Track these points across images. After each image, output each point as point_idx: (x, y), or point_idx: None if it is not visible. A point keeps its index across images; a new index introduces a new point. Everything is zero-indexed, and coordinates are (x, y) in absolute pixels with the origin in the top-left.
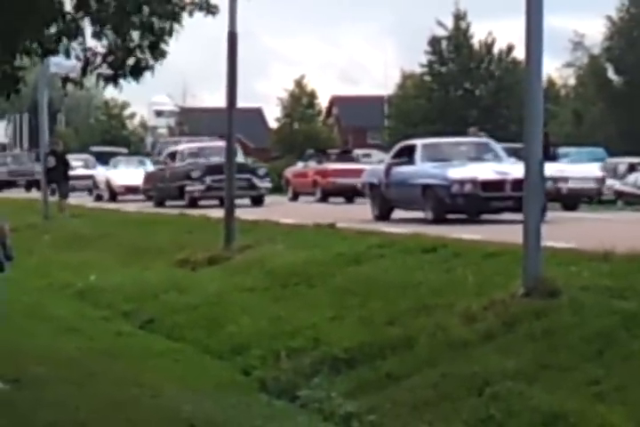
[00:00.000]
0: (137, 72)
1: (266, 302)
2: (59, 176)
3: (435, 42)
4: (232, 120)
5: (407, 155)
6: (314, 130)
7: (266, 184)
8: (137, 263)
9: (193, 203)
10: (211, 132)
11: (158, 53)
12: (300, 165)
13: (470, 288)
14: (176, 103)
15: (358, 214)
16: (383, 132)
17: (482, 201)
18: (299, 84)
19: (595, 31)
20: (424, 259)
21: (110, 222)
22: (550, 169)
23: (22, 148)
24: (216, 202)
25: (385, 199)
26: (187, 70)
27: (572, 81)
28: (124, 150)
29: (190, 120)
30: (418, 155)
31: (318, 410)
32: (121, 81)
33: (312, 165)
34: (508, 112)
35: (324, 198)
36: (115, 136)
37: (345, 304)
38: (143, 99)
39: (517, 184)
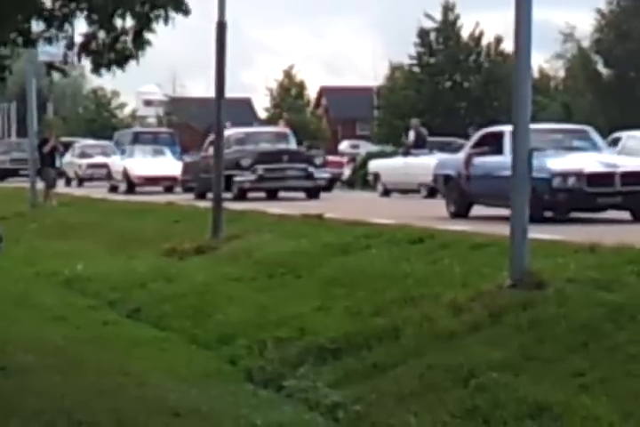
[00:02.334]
0: (121, 61)
1: (252, 291)
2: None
3: (423, 34)
4: (221, 110)
5: (492, 143)
6: (303, 121)
7: (324, 174)
8: (124, 252)
9: (242, 195)
10: (200, 122)
11: (142, 42)
12: None
13: (457, 279)
14: (165, 93)
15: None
16: (372, 123)
17: (587, 197)
18: (288, 74)
19: (585, 24)
20: (411, 250)
21: (98, 211)
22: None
23: (10, 136)
24: (263, 194)
25: (464, 194)
26: (175, 60)
27: (561, 73)
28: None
29: (179, 110)
30: (506, 143)
31: (304, 400)
32: (108, 70)
33: None
34: (498, 104)
35: None
36: (102, 125)
37: (331, 294)
38: (132, 88)
39: (627, 178)
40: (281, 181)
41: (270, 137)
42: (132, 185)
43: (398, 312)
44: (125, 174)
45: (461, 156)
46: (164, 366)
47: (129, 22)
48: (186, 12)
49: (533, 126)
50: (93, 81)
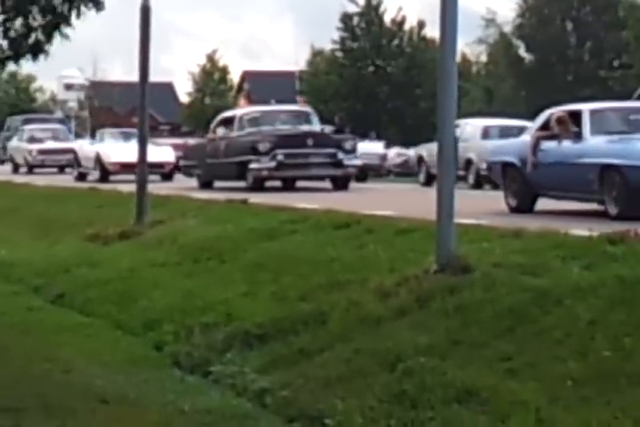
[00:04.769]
0: (35, 52)
1: (178, 277)
2: None
3: (346, 18)
4: (145, 94)
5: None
6: (225, 105)
7: (354, 161)
8: (47, 238)
9: (258, 184)
10: (122, 106)
11: (59, 35)
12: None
13: (383, 264)
14: (86, 77)
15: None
16: None
17: None
18: (210, 58)
19: (506, 9)
20: (336, 235)
21: (20, 196)
22: None
23: None
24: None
25: (529, 185)
26: (94, 43)
27: (483, 58)
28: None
29: (100, 94)
30: (586, 125)
31: (231, 386)
32: (16, 62)
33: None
34: (420, 89)
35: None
36: (23, 109)
37: (257, 280)
38: (53, 72)
39: None
40: (305, 169)
41: (290, 117)
42: (105, 172)
43: (325, 297)
44: (98, 161)
45: (524, 139)
46: (90, 352)
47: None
48: (100, 8)
49: (615, 105)
50: (12, 65)
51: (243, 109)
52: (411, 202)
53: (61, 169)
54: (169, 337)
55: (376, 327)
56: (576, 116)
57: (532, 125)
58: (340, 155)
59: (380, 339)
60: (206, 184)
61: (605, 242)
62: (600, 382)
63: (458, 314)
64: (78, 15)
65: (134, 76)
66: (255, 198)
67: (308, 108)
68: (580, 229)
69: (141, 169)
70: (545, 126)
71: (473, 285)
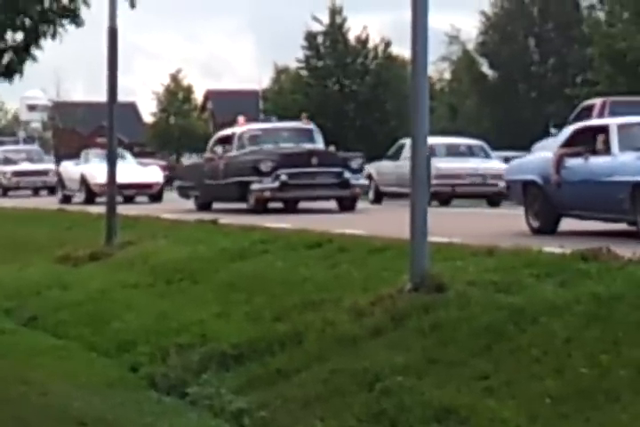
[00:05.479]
0: (9, 73)
1: (150, 298)
2: None
3: (310, 37)
4: (113, 115)
5: (588, 141)
6: (190, 125)
7: (362, 181)
8: (17, 260)
9: (260, 206)
10: (86, 126)
11: (24, 58)
12: None
13: (357, 283)
14: (49, 97)
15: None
16: None
17: None
18: (174, 78)
19: (469, 26)
20: (309, 254)
21: None
22: None
23: None
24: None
25: (552, 204)
26: (57, 64)
27: (447, 75)
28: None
29: (64, 115)
30: (614, 141)
31: (208, 407)
32: None
33: None
34: (388, 106)
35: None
36: None
37: (231, 300)
38: (15, 93)
39: None
40: (310, 190)
41: (292, 134)
42: (91, 194)
43: (299, 317)
44: (84, 182)
45: (546, 156)
46: (65, 374)
47: (17, 37)
48: (78, 23)
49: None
50: None
51: (242, 127)
52: (378, 220)
53: (36, 191)
54: (144, 359)
55: (352, 347)
56: (602, 132)
57: (554, 142)
58: (347, 174)
59: (357, 358)
60: (204, 206)
61: (579, 259)
62: (578, 399)
63: (434, 333)
64: (54, 35)
65: (97, 96)
66: (225, 219)
67: (311, 126)
68: (552, 247)
69: (111, 190)
70: (569, 143)
71: (448, 303)
